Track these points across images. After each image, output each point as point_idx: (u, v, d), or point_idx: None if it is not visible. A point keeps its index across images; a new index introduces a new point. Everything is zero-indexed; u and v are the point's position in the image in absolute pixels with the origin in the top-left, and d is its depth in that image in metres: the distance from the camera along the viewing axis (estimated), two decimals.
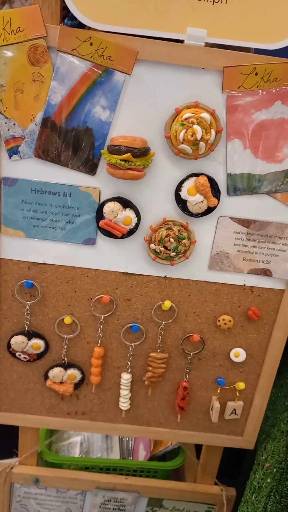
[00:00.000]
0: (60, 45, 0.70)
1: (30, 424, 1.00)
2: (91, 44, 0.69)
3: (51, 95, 0.73)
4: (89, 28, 0.70)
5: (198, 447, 1.16)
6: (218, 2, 0.68)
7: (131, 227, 0.81)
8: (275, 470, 0.93)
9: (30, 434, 1.05)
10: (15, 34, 0.69)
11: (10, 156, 0.77)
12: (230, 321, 0.89)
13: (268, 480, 0.91)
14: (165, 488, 1.09)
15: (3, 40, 0.69)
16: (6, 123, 0.74)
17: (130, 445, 1.20)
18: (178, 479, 1.16)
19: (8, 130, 0.75)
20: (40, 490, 1.09)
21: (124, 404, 0.96)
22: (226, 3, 0.68)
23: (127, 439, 1.21)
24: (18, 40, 0.69)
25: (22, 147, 0.76)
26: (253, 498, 0.91)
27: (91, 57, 0.70)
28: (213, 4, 0.68)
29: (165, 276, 0.86)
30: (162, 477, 1.15)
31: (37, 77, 0.72)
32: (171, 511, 1.13)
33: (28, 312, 0.88)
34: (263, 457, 0.97)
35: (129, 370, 0.94)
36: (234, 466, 1.26)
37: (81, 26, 0.70)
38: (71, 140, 0.75)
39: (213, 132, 0.73)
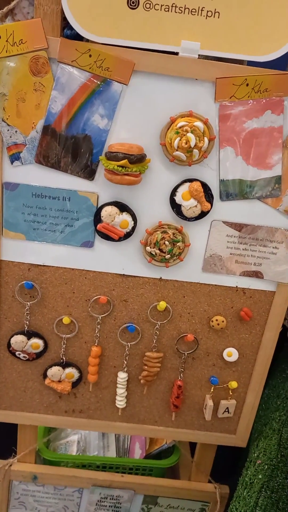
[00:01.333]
0: (61, 57, 0.72)
1: (28, 422, 1.01)
2: (90, 56, 0.72)
3: (51, 104, 0.75)
4: (88, 41, 0.72)
5: (192, 445, 1.17)
6: (211, 16, 0.71)
7: (128, 230, 0.82)
8: (266, 466, 0.94)
9: (29, 432, 1.06)
10: (17, 46, 0.71)
11: (12, 162, 0.79)
12: (223, 321, 0.90)
13: (260, 476, 0.93)
14: (160, 485, 1.10)
15: (6, 51, 0.71)
16: (8, 130, 0.77)
17: (126, 444, 1.21)
18: (173, 477, 1.17)
19: (10, 137, 0.77)
20: (38, 487, 1.09)
21: (120, 402, 0.97)
22: (218, 17, 0.71)
23: (123, 438, 1.22)
24: (20, 52, 0.72)
25: (23, 153, 0.78)
26: (244, 493, 0.92)
27: (90, 68, 0.73)
28: (206, 18, 0.71)
29: (160, 278, 0.88)
30: (157, 475, 1.15)
31: (38, 87, 0.74)
32: (166, 508, 1.14)
33: (27, 312, 0.89)
34: (255, 455, 0.98)
35: (126, 369, 0.95)
36: (231, 465, 1.27)
37: (80, 35, 0.72)
38: (70, 147, 0.77)
39: (206, 140, 0.75)
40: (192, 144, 0.74)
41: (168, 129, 0.76)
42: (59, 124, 0.76)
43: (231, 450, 1.07)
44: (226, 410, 0.99)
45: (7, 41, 0.71)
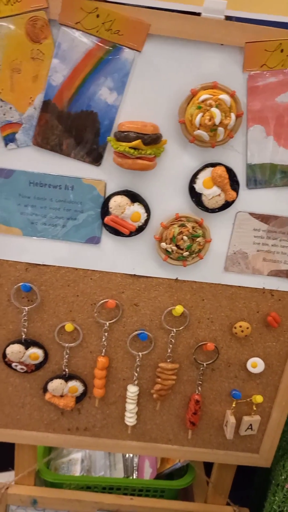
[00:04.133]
0: (63, 18, 0.65)
1: (27, 441, 0.98)
2: (97, 16, 0.65)
3: (51, 75, 0.68)
4: None
5: (207, 464, 1.12)
6: None
7: (140, 224, 0.77)
8: None
9: (27, 451, 1.03)
10: (12, 5, 0.64)
11: (6, 144, 0.73)
12: (247, 328, 0.85)
13: None
14: (173, 509, 1.05)
15: None
16: (1, 107, 0.70)
17: (135, 462, 1.16)
18: (186, 499, 1.12)
19: (4, 114, 0.70)
20: None
21: (130, 419, 0.93)
22: None
23: (132, 455, 1.17)
24: (15, 12, 0.65)
25: (19, 134, 0.72)
26: None
27: (97, 31, 0.66)
28: None
29: (177, 279, 0.83)
30: (169, 497, 1.10)
31: (37, 55, 0.67)
32: None
33: (25, 318, 0.85)
34: (283, 477, 0.92)
35: (136, 382, 0.90)
36: (244, 480, 1.21)
37: None
38: (73, 126, 0.72)
39: (233, 116, 0.68)
40: (217, 120, 0.67)
41: (188, 104, 0.69)
42: (60, 99, 0.70)
43: None
44: (249, 427, 0.93)
45: None
